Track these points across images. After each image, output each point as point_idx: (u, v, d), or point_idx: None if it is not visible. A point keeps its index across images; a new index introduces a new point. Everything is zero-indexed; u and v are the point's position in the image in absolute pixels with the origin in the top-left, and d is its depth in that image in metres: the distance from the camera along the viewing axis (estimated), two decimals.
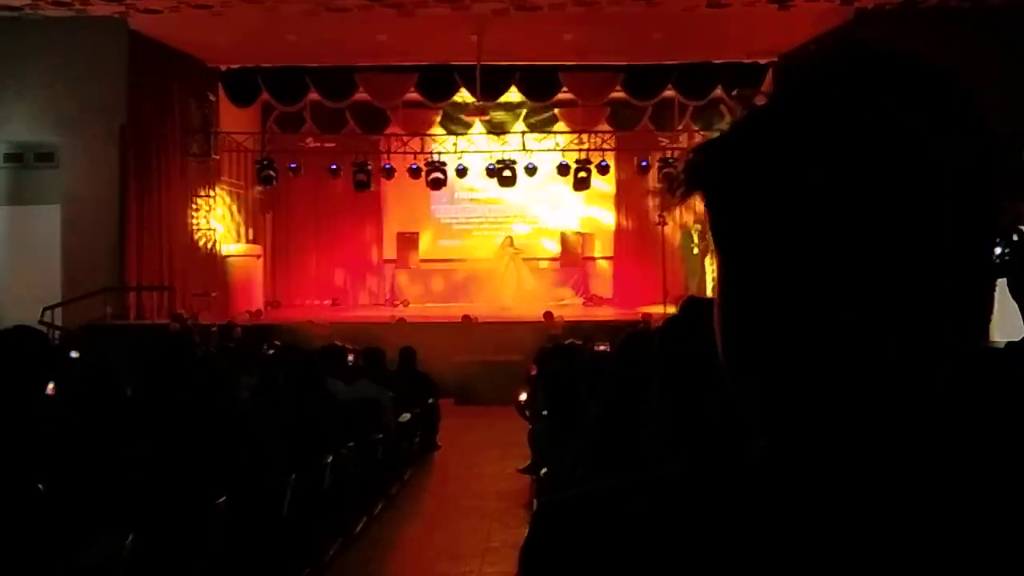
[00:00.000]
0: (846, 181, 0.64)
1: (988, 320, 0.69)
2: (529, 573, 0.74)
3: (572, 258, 21.62)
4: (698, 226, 19.29)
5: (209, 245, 17.87)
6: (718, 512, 0.70)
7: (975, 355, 0.69)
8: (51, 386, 5.14)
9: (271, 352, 10.81)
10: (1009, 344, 2.65)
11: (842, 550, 0.66)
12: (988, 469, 0.69)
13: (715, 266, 0.74)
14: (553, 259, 21.79)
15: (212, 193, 18.08)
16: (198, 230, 17.61)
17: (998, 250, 2.20)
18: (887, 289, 0.64)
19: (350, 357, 9.92)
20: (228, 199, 19.52)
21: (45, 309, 14.48)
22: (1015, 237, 2.35)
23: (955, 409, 0.68)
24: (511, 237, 20.14)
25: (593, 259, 22.10)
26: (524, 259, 20.61)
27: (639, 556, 0.71)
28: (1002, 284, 2.46)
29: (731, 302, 0.70)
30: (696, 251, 19.19)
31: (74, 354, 9.01)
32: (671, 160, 18.08)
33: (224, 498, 4.48)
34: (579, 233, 21.78)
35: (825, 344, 0.65)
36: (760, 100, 0.70)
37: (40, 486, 3.20)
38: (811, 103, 0.67)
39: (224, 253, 18.54)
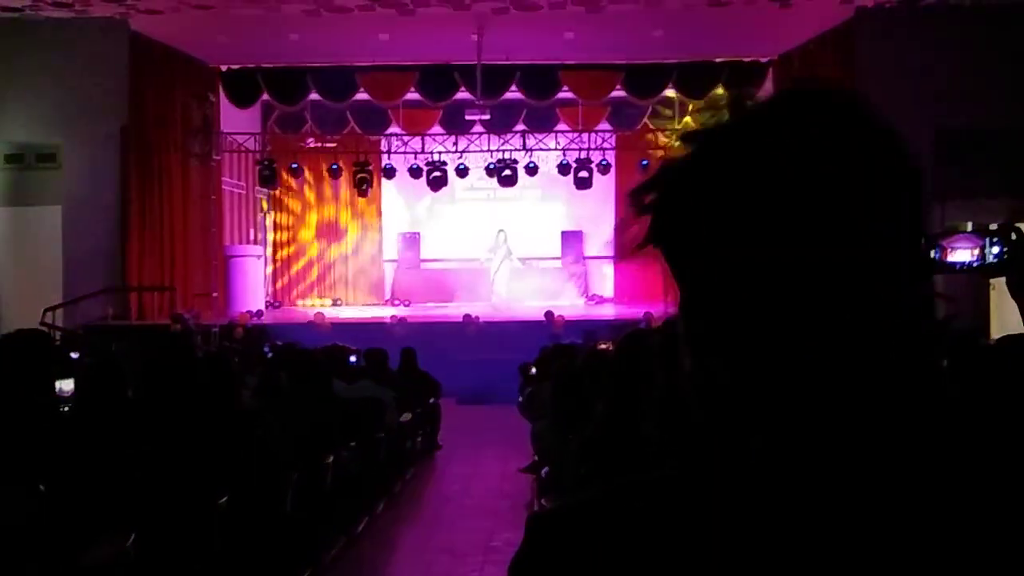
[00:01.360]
0: (793, 209, 0.69)
1: (932, 312, 0.75)
2: None
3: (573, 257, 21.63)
4: None
5: (210, 246, 17.86)
6: (710, 517, 0.71)
7: (929, 347, 0.73)
8: (67, 385, 5.16)
9: (272, 352, 10.83)
10: (1002, 339, 2.67)
11: (837, 549, 0.67)
12: (969, 462, 0.70)
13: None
14: (555, 259, 21.78)
15: (213, 194, 18.08)
16: (199, 230, 17.60)
17: (996, 250, 2.19)
18: (837, 302, 0.68)
19: (352, 357, 9.94)
20: (229, 200, 19.52)
21: (46, 310, 14.48)
22: (1013, 236, 2.36)
23: (922, 403, 0.70)
24: (503, 232, 20.10)
25: (595, 258, 22.09)
26: (520, 258, 20.60)
27: (632, 568, 0.71)
28: (1001, 283, 2.46)
29: (694, 319, 0.74)
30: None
31: (75, 355, 9.02)
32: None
33: (226, 498, 4.49)
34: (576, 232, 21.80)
35: (785, 355, 0.69)
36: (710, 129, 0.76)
37: (42, 486, 3.20)
38: (761, 138, 0.72)
39: (225, 253, 18.55)
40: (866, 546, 0.67)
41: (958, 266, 2.19)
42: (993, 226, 2.38)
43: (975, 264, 2.32)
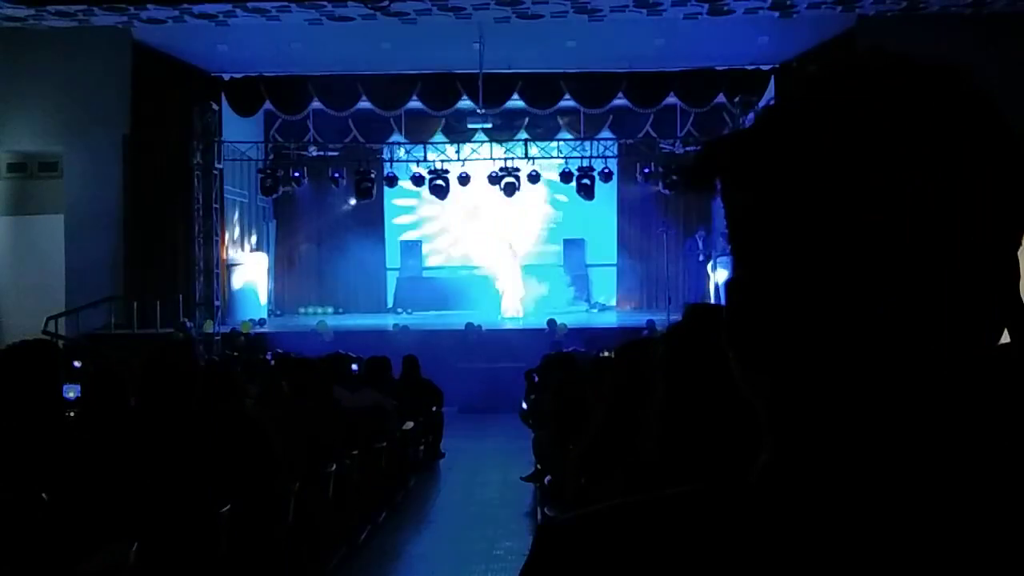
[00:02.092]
0: (871, 178, 0.63)
1: (1003, 325, 0.68)
2: None
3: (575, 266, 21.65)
4: (702, 233, 19.32)
5: (212, 254, 17.88)
6: (724, 532, 0.69)
7: (992, 362, 0.69)
8: (71, 394, 5.17)
9: (274, 361, 10.83)
10: (1003, 346, 2.66)
11: (856, 569, 0.65)
12: (1009, 488, 0.67)
13: (716, 274, 0.74)
14: (557, 267, 21.79)
15: (215, 202, 18.10)
16: (201, 239, 17.62)
17: None
18: (910, 292, 0.63)
19: (354, 366, 9.94)
20: (231, 208, 19.54)
21: (49, 319, 14.51)
22: None
23: (976, 421, 0.67)
24: (511, 243, 20.11)
25: (597, 266, 22.10)
26: (526, 265, 20.63)
27: None
28: None
29: (747, 300, 0.69)
30: (701, 258, 19.19)
31: (78, 364, 9.03)
32: (674, 167, 18.12)
33: (228, 507, 4.49)
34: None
35: (844, 346, 0.65)
36: (775, 101, 0.70)
37: (44, 495, 3.20)
38: (837, 101, 0.66)
39: (227, 262, 18.57)
40: (883, 566, 0.65)
41: None
42: None
43: None
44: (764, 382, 0.69)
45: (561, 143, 19.42)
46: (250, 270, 19.75)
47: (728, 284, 0.71)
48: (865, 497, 0.66)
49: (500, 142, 18.96)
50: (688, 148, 18.59)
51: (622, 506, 0.76)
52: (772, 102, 0.71)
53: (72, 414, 4.91)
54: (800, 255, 0.66)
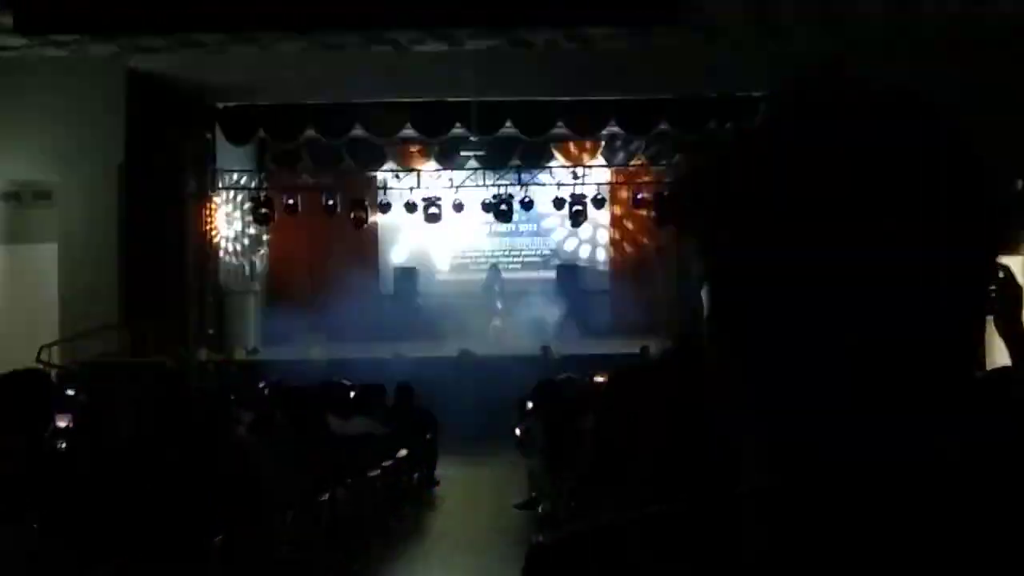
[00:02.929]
0: (842, 207, 0.65)
1: (979, 350, 0.69)
2: None
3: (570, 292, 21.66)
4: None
5: (207, 282, 17.86)
6: (714, 547, 0.69)
7: (973, 384, 0.70)
8: (64, 422, 5.15)
9: (268, 389, 10.80)
10: (994, 370, 2.68)
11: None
12: (995, 501, 0.68)
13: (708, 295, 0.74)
14: (551, 293, 21.78)
15: (210, 231, 18.10)
16: (196, 267, 17.60)
17: None
18: (885, 316, 0.65)
19: (351, 394, 9.93)
20: (225, 236, 19.54)
21: (43, 347, 14.45)
22: (1000, 275, 2.36)
23: (959, 440, 0.68)
24: (496, 267, 20.11)
25: (591, 292, 22.09)
26: (519, 292, 20.64)
27: None
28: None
29: (727, 331, 0.71)
30: (695, 283, 19.17)
31: (71, 392, 9.00)
32: (666, 194, 18.17)
33: (220, 537, 4.47)
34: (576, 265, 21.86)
35: (825, 371, 0.66)
36: (748, 128, 0.72)
37: (35, 525, 3.19)
38: (800, 132, 0.68)
39: (222, 290, 18.54)
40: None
41: None
42: None
43: None
44: (745, 407, 0.71)
45: (554, 170, 19.47)
46: (244, 298, 19.73)
47: (707, 319, 0.72)
48: (853, 508, 0.66)
49: (493, 169, 19.00)
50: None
51: (609, 525, 0.77)
52: (732, 138, 0.72)
53: (64, 444, 4.90)
54: (777, 283, 0.67)
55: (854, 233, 0.64)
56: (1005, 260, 2.52)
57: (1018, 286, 2.42)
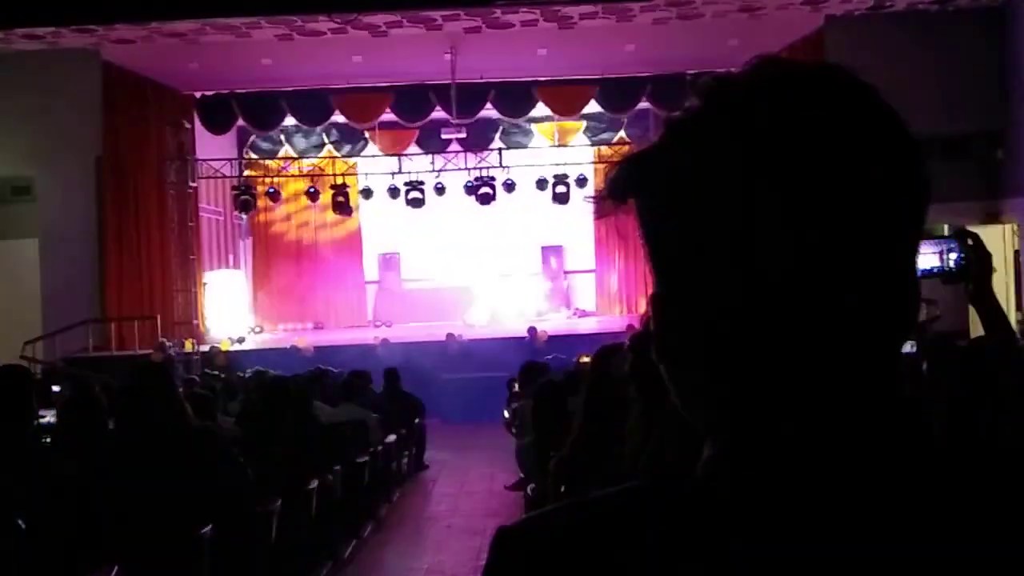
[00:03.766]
0: (776, 189, 0.65)
1: (915, 324, 0.70)
2: None
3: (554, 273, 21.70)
4: None
5: (190, 273, 17.80)
6: (673, 525, 0.70)
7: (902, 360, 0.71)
8: (49, 418, 5.14)
9: (254, 378, 10.78)
10: (972, 340, 2.70)
11: (795, 557, 0.66)
12: (930, 469, 0.69)
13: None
14: (536, 274, 21.81)
15: (191, 221, 18.03)
16: (178, 258, 17.54)
17: (955, 256, 2.23)
18: (821, 293, 0.65)
19: (342, 381, 9.93)
20: (207, 226, 19.47)
21: (26, 343, 14.41)
22: (970, 242, 2.37)
23: (892, 408, 0.69)
24: (482, 253, 20.14)
25: (576, 272, 22.14)
26: (501, 275, 20.68)
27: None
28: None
29: (666, 314, 0.71)
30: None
31: (56, 388, 8.97)
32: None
33: (210, 527, 4.47)
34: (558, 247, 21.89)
35: (762, 351, 0.66)
36: (680, 112, 0.72)
37: (20, 522, 3.18)
38: (733, 113, 0.68)
39: (205, 280, 18.49)
40: (834, 554, 0.66)
41: (921, 272, 2.18)
42: (947, 231, 2.39)
43: (936, 271, 2.33)
44: (692, 388, 0.71)
45: (536, 151, 19.45)
46: (227, 288, 19.68)
47: (651, 298, 0.72)
48: (795, 483, 0.67)
49: (475, 152, 18.97)
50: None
51: (573, 505, 0.78)
52: (676, 116, 0.72)
53: (49, 439, 4.88)
54: (714, 266, 0.67)
55: (788, 220, 0.65)
56: (975, 228, 2.54)
57: (987, 254, 2.43)
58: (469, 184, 18.60)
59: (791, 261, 0.65)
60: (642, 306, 19.27)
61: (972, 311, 2.58)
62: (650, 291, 0.74)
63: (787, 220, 0.65)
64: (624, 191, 0.73)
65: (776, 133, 0.66)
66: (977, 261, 2.36)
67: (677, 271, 0.70)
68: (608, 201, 0.74)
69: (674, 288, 0.70)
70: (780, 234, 0.65)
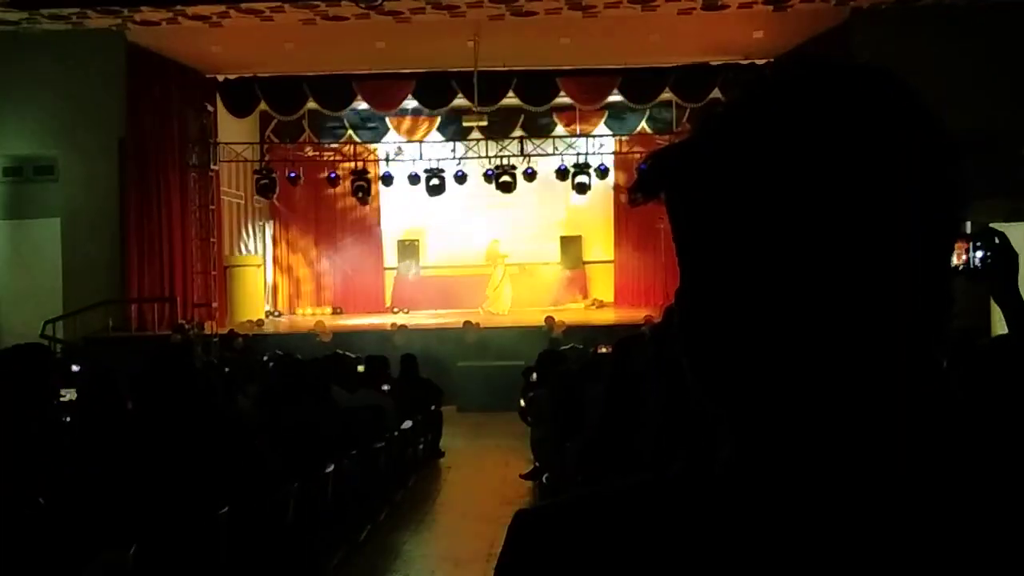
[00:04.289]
0: (812, 187, 0.65)
1: (949, 320, 0.70)
2: None
3: (573, 262, 21.68)
4: None
5: (209, 255, 17.88)
6: (687, 520, 0.70)
7: (938, 351, 0.70)
8: (70, 396, 5.18)
9: (273, 362, 10.83)
10: (995, 339, 2.67)
11: (811, 555, 0.66)
12: (960, 473, 0.68)
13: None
14: (554, 264, 21.80)
15: (212, 204, 18.11)
16: (198, 241, 17.62)
17: (980, 255, 2.21)
18: (854, 293, 0.65)
19: (360, 366, 9.95)
20: (228, 209, 19.55)
21: (46, 323, 14.50)
22: (996, 241, 2.35)
23: (924, 410, 0.68)
24: (497, 241, 20.11)
25: (594, 262, 22.11)
26: (519, 264, 20.67)
27: (611, 567, 0.71)
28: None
29: (694, 308, 0.71)
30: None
31: (76, 367, 9.03)
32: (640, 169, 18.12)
33: (227, 509, 4.49)
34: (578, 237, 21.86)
35: (793, 349, 0.66)
36: (717, 107, 0.71)
37: (41, 500, 3.21)
38: (772, 110, 0.68)
39: (225, 263, 18.57)
40: (860, 551, 0.66)
41: None
42: (971, 228, 2.37)
43: (961, 269, 2.31)
44: (717, 383, 0.70)
45: (557, 140, 19.42)
46: (247, 271, 19.76)
47: (677, 293, 0.72)
48: (822, 485, 0.67)
49: (496, 140, 18.95)
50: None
51: (593, 494, 0.78)
52: (712, 111, 0.71)
53: (69, 418, 4.91)
54: (746, 262, 0.67)
55: (823, 218, 0.65)
56: (1002, 227, 2.51)
57: (1014, 253, 2.41)
58: (489, 172, 18.59)
59: (826, 260, 0.65)
60: (660, 298, 19.20)
61: (994, 309, 2.56)
62: (671, 283, 0.74)
63: (823, 219, 0.65)
64: (657, 185, 0.72)
65: (816, 132, 0.66)
66: (1003, 259, 2.34)
67: (708, 266, 0.70)
68: (639, 193, 0.73)
69: (704, 282, 0.70)
70: (815, 233, 0.65)
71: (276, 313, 20.71)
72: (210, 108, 17.94)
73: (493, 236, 20.65)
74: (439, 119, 19.54)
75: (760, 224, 0.66)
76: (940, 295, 0.69)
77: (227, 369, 9.20)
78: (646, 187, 0.73)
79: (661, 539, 0.70)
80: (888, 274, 0.66)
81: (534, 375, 11.05)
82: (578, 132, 19.53)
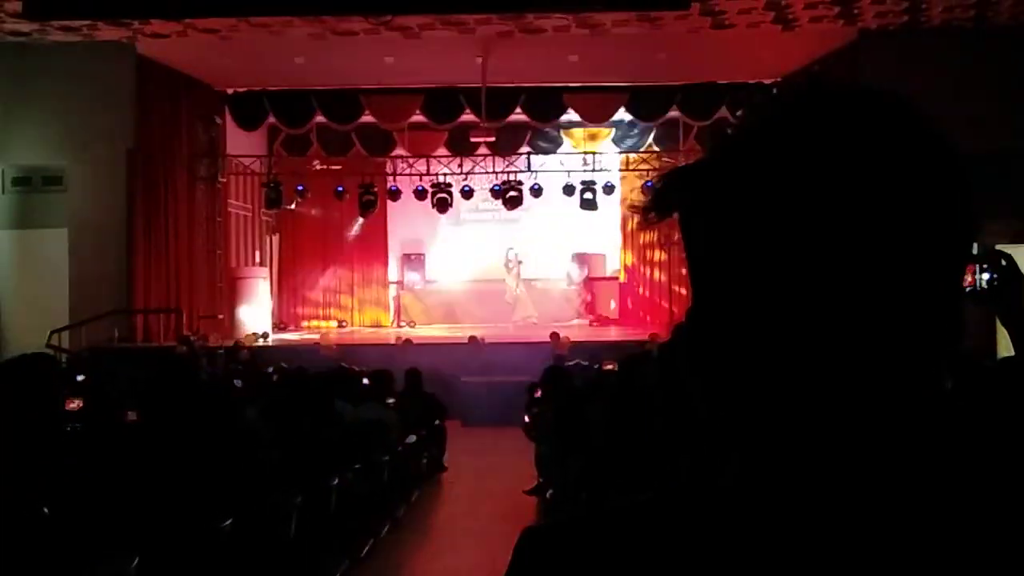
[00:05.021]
0: (824, 210, 0.65)
1: (961, 338, 0.70)
2: None
3: (579, 279, 21.69)
4: None
5: (216, 268, 17.91)
6: (692, 538, 0.70)
7: (946, 374, 0.71)
8: (74, 406, 5.18)
9: (277, 375, 10.84)
10: (1003, 360, 2.67)
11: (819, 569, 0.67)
12: (963, 489, 0.69)
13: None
14: (560, 280, 21.82)
15: (219, 216, 18.15)
16: (205, 252, 17.65)
17: (986, 276, 2.21)
18: (864, 315, 0.66)
19: (364, 380, 9.94)
20: (235, 222, 19.59)
21: (52, 332, 14.53)
22: (1003, 263, 2.35)
23: (932, 429, 0.69)
24: (514, 252, 20.11)
25: (600, 279, 22.12)
26: (526, 280, 20.69)
27: None
28: None
29: (705, 325, 0.71)
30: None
31: (81, 377, 9.03)
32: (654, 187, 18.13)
33: (230, 520, 4.49)
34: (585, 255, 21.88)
35: (803, 367, 0.67)
36: (729, 129, 0.72)
37: (45, 509, 3.21)
38: (788, 133, 0.69)
39: (231, 275, 18.60)
40: (862, 562, 0.66)
41: None
42: (977, 250, 2.37)
43: (967, 291, 2.30)
44: (729, 399, 0.71)
45: (564, 156, 19.45)
46: (254, 284, 19.77)
47: (688, 310, 0.73)
48: (828, 498, 0.68)
49: (503, 155, 18.99)
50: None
51: (600, 511, 0.78)
52: (725, 133, 0.72)
53: (72, 428, 4.92)
54: (760, 282, 0.68)
55: (835, 241, 0.65)
56: (1007, 248, 2.51)
57: (1020, 275, 2.41)
58: (496, 187, 18.62)
59: (837, 281, 0.66)
60: (665, 315, 19.19)
61: (1000, 330, 2.56)
62: (677, 302, 0.75)
63: (835, 241, 0.65)
64: (671, 205, 0.73)
65: (828, 157, 0.66)
66: (1010, 281, 2.34)
67: (721, 285, 0.70)
68: (652, 213, 0.74)
69: (716, 301, 0.71)
70: (827, 254, 0.66)
71: (282, 326, 20.72)
72: (219, 120, 18.00)
73: (507, 247, 20.65)
74: (446, 133, 19.57)
75: (773, 245, 0.67)
76: (951, 317, 0.69)
77: (236, 381, 9.21)
78: (660, 207, 0.74)
79: (669, 556, 0.70)
80: (899, 296, 0.66)
81: (539, 391, 11.03)
82: (585, 149, 19.55)
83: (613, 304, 21.98)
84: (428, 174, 18.88)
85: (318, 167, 20.81)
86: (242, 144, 18.91)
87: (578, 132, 19.61)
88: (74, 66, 15.34)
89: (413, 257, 22.01)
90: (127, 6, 10.51)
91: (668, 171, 0.74)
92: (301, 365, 11.19)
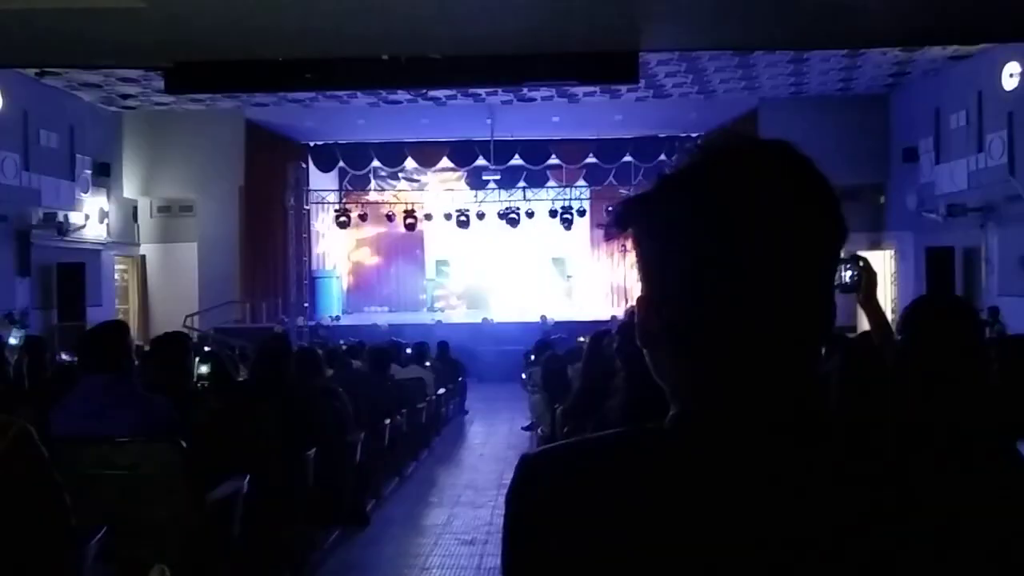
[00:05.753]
0: (737, 226, 0.65)
1: (833, 317, 0.70)
2: (514, 509, 0.73)
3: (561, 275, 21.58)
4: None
5: (303, 270, 17.87)
6: (645, 460, 0.70)
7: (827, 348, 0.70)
8: (204, 370, 5.17)
9: (346, 346, 10.82)
10: (862, 333, 2.66)
11: (744, 491, 0.66)
12: (850, 437, 0.68)
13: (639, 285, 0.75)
14: (546, 277, 21.71)
15: (304, 233, 18.09)
16: (295, 259, 17.61)
17: (849, 273, 2.19)
18: (767, 299, 0.66)
19: (408, 350, 9.93)
20: (316, 237, 19.52)
21: (187, 317, 14.53)
22: (860, 263, 2.35)
23: (814, 383, 0.69)
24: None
25: (576, 276, 22.05)
26: (522, 277, 20.50)
27: (592, 492, 0.71)
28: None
29: (648, 311, 0.71)
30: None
31: (207, 348, 9.01)
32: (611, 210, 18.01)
33: (314, 450, 4.50)
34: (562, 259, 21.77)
35: (721, 342, 0.67)
36: (669, 168, 0.72)
37: (183, 443, 3.21)
38: (707, 171, 0.69)
39: (313, 275, 18.55)
40: (764, 473, 0.65)
41: None
42: (844, 254, 2.37)
43: (836, 284, 2.30)
44: (667, 365, 0.71)
45: (549, 189, 19.38)
46: (329, 281, 19.75)
47: (638, 300, 0.73)
48: (742, 437, 0.67)
49: (506, 189, 18.93)
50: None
51: (580, 441, 0.78)
52: (663, 171, 0.72)
53: (202, 385, 4.92)
54: (688, 279, 0.68)
55: (748, 247, 0.65)
56: (865, 253, 2.51)
57: (873, 272, 2.41)
58: (501, 212, 18.56)
59: (745, 281, 0.66)
60: (624, 303, 19.13)
61: (860, 313, 2.55)
62: (634, 294, 0.75)
63: (744, 251, 0.65)
64: (625, 224, 0.73)
65: (740, 187, 0.67)
66: (866, 277, 2.34)
67: (660, 282, 0.71)
68: (612, 230, 0.74)
69: (656, 294, 0.71)
70: (738, 261, 0.66)
71: (349, 311, 20.66)
72: (303, 165, 17.94)
73: (502, 257, 20.44)
74: (465, 173, 19.51)
75: (700, 251, 0.67)
76: (828, 302, 0.69)
77: (314, 351, 9.18)
78: (617, 225, 0.74)
79: (629, 472, 0.70)
80: (792, 289, 0.66)
81: (532, 356, 11.03)
82: (564, 184, 19.47)
83: (586, 293, 21.85)
84: (453, 203, 18.77)
85: (374, 198, 20.72)
86: (320, 181, 18.86)
87: (560, 171, 19.47)
88: (200, 127, 15.31)
89: (443, 262, 21.92)
90: (238, 84, 10.49)
91: (623, 199, 0.73)
92: (363, 339, 11.18)
